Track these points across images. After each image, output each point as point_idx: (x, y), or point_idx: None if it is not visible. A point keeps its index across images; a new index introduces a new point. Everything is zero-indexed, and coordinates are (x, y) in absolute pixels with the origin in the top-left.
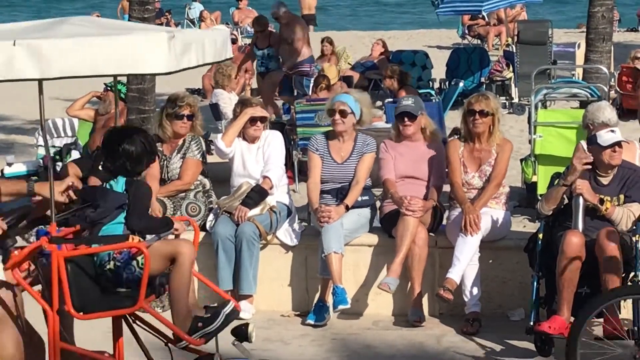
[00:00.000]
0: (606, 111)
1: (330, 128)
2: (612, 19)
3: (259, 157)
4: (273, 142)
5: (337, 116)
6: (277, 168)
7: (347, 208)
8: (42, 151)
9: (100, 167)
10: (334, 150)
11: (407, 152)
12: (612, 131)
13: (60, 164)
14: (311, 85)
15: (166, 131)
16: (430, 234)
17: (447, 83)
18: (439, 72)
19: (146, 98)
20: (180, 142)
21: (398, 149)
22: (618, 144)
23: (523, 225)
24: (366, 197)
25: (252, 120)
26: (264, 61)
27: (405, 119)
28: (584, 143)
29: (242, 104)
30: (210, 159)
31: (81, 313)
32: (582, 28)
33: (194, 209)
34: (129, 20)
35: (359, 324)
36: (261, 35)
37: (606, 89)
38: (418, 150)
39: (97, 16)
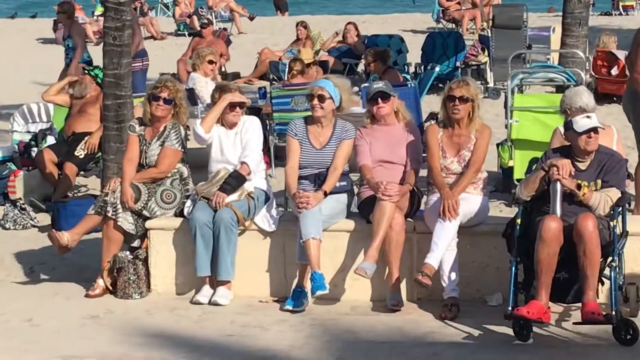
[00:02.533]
0: (584, 96)
1: (307, 113)
2: (588, 3)
3: (236, 143)
4: (251, 127)
5: (316, 101)
6: (255, 154)
7: (325, 194)
8: (17, 137)
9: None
10: (313, 135)
11: (383, 137)
12: (588, 117)
13: (35, 149)
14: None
15: (146, 113)
16: (409, 219)
17: (422, 67)
18: (414, 56)
19: (122, 83)
20: (162, 128)
21: (373, 133)
22: (594, 129)
23: (500, 210)
24: (344, 183)
25: (231, 106)
26: (68, 53)
27: (379, 100)
28: (561, 128)
29: (221, 89)
30: (187, 144)
31: None
32: (553, 12)
33: (169, 196)
34: (102, 5)
35: (337, 310)
36: (66, 22)
37: (582, 74)
38: (393, 134)
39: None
